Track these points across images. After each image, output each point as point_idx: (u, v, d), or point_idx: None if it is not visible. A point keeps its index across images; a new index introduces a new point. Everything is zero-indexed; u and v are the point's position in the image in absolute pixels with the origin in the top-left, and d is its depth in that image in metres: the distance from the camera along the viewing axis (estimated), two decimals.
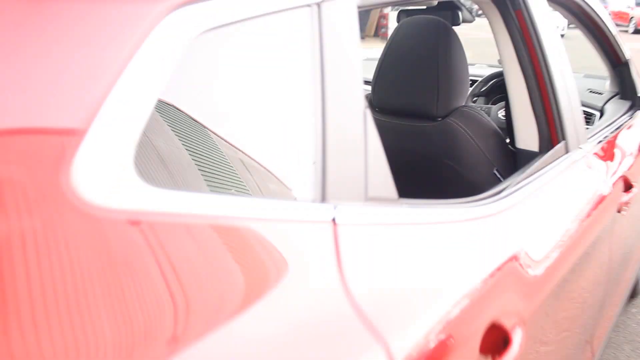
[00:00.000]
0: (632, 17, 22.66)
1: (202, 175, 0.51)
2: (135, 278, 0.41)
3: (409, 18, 1.45)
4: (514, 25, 1.29)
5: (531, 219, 1.00)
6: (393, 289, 0.62)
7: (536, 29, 1.28)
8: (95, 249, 0.40)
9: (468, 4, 2.13)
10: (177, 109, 0.51)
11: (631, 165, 1.67)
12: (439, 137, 1.37)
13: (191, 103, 0.54)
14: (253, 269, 0.50)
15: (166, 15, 0.48)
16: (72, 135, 0.41)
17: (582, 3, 1.69)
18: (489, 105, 2.33)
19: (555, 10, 1.67)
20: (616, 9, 24.74)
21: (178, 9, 0.50)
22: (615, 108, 2.07)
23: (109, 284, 0.40)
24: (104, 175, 0.42)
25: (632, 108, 2.07)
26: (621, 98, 2.16)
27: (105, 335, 0.39)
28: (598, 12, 1.85)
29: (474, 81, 2.50)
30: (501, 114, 2.18)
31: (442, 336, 0.63)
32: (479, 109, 1.78)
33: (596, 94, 2.33)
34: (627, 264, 1.91)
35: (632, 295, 2.93)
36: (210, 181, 0.52)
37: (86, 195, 0.41)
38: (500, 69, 2.33)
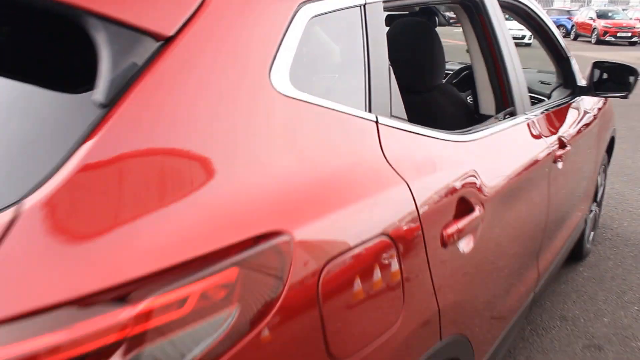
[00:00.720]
0: (594, 28, 23.47)
1: (329, 91, 1.01)
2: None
3: (401, 19, 1.95)
4: (477, 24, 1.81)
5: (488, 147, 1.52)
6: (411, 160, 1.12)
7: (493, 27, 1.80)
8: (271, 112, 0.89)
9: (444, 10, 2.66)
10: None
11: (566, 132, 2.21)
12: (424, 105, 1.87)
13: (302, 55, 1.03)
14: (340, 137, 0.99)
15: (300, 7, 0.98)
16: (270, 61, 0.90)
17: (530, 11, 2.23)
18: (461, 93, 2.86)
19: (509, 15, 2.21)
20: (580, 20, 25.82)
21: (304, 5, 0.99)
22: (559, 94, 2.61)
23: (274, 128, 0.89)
24: (280, 80, 0.91)
25: (572, 94, 2.62)
26: (564, 87, 2.70)
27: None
28: (544, 19, 2.39)
29: (447, 74, 3.03)
30: (469, 99, 2.70)
31: (439, 187, 1.14)
32: None
33: (546, 84, 2.88)
34: (566, 217, 2.45)
35: (579, 258, 3.49)
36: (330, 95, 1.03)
37: (275, 87, 0.90)
38: (468, 64, 2.86)
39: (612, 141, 3.49)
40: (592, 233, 3.66)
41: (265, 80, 0.88)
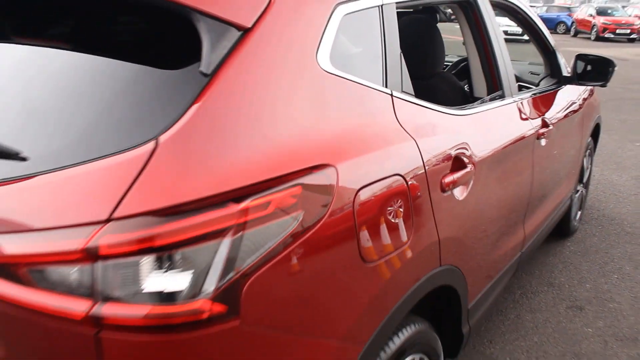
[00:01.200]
0: (593, 25, 23.60)
1: (357, 70, 1.37)
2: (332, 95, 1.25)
3: (407, 16, 2.28)
4: (472, 20, 2.15)
5: (478, 121, 1.86)
6: (417, 124, 1.46)
7: (485, 23, 2.14)
8: (318, 83, 1.23)
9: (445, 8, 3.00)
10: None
11: (549, 114, 2.55)
12: (426, 89, 2.20)
13: (338, 43, 1.36)
14: (366, 104, 1.34)
15: (336, 8, 1.31)
16: (316, 46, 1.24)
17: (517, 9, 2.56)
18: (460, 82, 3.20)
19: (500, 13, 2.54)
20: (580, 16, 26.09)
21: (339, 6, 1.33)
22: (546, 83, 2.95)
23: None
24: (323, 61, 1.25)
25: (557, 83, 2.96)
26: (551, 77, 3.04)
27: None
28: (531, 15, 2.72)
29: (447, 65, 3.37)
30: (466, 87, 3.04)
31: (439, 145, 1.50)
32: None
33: (535, 75, 3.21)
34: (550, 189, 2.78)
35: (567, 234, 3.83)
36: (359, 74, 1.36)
37: (320, 64, 1.23)
38: (465, 56, 3.20)
39: (597, 128, 3.83)
40: (580, 212, 3.99)
41: (313, 61, 1.22)
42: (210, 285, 0.95)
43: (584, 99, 3.28)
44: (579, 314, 2.93)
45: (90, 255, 0.92)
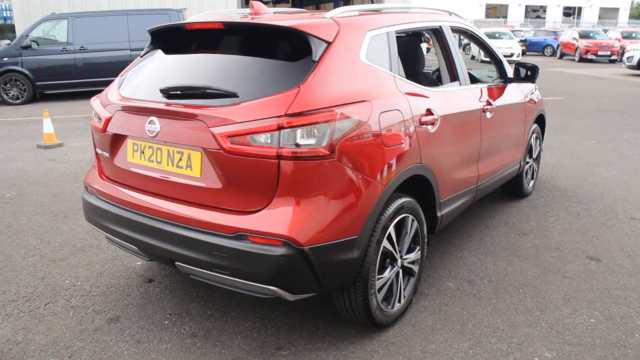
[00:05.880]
0: (577, 48, 25.29)
1: (377, 62, 2.82)
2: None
3: (402, 38, 3.74)
4: (440, 40, 3.62)
5: (443, 95, 3.30)
6: (407, 91, 2.89)
7: (447, 42, 3.60)
8: (361, 68, 2.69)
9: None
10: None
11: (493, 98, 4.00)
12: (416, 80, 3.64)
13: (368, 49, 2.80)
14: (382, 79, 2.79)
15: (366, 32, 2.76)
16: (359, 50, 2.70)
17: (470, 32, 4.05)
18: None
19: (461, 36, 4.03)
20: (565, 40, 27.83)
21: (368, 31, 2.77)
22: (497, 83, 4.42)
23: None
24: (363, 57, 2.69)
25: (504, 82, 4.42)
26: (500, 78, 4.51)
27: None
28: (481, 36, 4.20)
29: (429, 71, 4.86)
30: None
31: (420, 102, 2.94)
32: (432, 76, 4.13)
33: (490, 77, 4.69)
34: (497, 149, 4.20)
35: (522, 196, 5.24)
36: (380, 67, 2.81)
37: (361, 59, 2.68)
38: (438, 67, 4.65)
39: (541, 118, 5.27)
40: (532, 181, 5.39)
41: (358, 57, 2.64)
42: (324, 142, 2.36)
43: (526, 95, 4.74)
44: (523, 237, 4.32)
45: (278, 128, 2.32)
